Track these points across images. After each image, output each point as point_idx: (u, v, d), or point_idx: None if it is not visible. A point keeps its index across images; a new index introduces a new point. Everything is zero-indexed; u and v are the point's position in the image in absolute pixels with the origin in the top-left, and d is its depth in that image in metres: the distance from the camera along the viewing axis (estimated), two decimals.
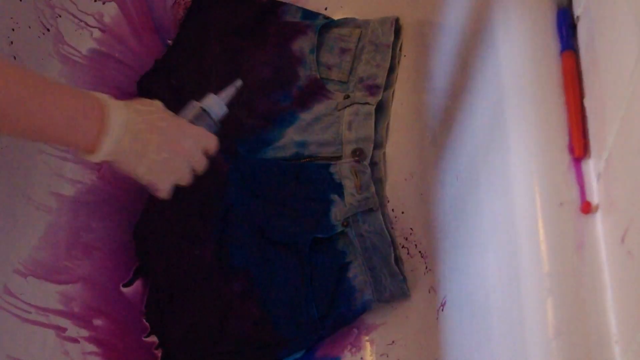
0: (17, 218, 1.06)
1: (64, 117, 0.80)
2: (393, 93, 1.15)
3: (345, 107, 1.13)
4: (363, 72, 1.15)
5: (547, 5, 0.83)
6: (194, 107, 0.95)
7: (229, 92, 0.97)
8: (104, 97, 0.84)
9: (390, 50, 1.15)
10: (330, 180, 1.09)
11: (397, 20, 1.18)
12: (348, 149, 1.10)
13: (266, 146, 1.12)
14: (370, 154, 1.10)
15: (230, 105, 0.97)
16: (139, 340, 1.07)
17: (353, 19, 1.19)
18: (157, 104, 0.90)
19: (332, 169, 1.09)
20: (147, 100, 0.89)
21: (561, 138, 0.76)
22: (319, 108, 1.13)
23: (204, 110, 0.95)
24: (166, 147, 0.87)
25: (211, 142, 0.93)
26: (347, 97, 1.14)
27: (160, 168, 0.88)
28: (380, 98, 1.13)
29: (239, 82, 0.97)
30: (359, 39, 1.17)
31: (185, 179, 0.92)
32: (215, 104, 0.96)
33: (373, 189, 1.07)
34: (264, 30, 1.19)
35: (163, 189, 0.91)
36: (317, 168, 1.10)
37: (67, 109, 0.80)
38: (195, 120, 0.94)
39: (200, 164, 0.92)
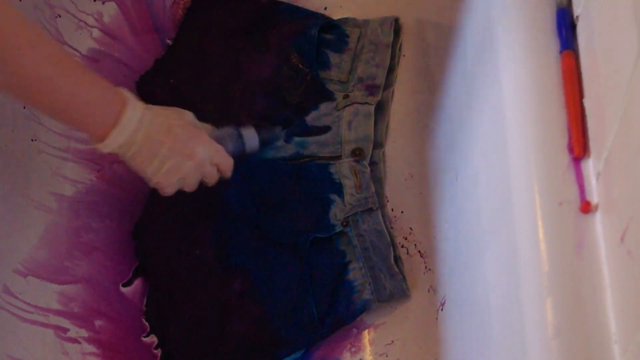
0: (17, 218, 1.06)
1: (85, 101, 0.84)
2: (393, 93, 1.15)
3: (344, 107, 1.13)
4: (362, 72, 1.15)
5: (546, 4, 0.83)
6: (233, 129, 1.00)
7: (270, 134, 1.02)
8: (128, 93, 0.88)
9: (390, 50, 1.15)
10: (329, 180, 1.09)
11: (396, 20, 1.18)
12: (348, 149, 1.10)
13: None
14: (370, 154, 1.10)
15: (259, 144, 1.02)
16: (138, 340, 1.07)
17: (352, 19, 1.19)
18: (187, 114, 0.94)
19: (332, 169, 1.09)
20: (178, 109, 0.94)
21: (560, 138, 0.76)
22: (319, 109, 1.13)
23: (240, 135, 0.99)
24: (179, 151, 0.90)
25: (226, 162, 0.96)
26: (346, 96, 1.14)
27: (168, 170, 0.91)
28: (379, 98, 1.13)
29: (279, 130, 1.04)
30: (359, 38, 1.17)
31: (191, 186, 0.95)
32: (253, 137, 1.01)
33: (373, 188, 1.07)
34: (263, 30, 1.19)
35: (168, 191, 0.94)
36: (317, 168, 1.10)
37: (90, 93, 0.84)
38: (224, 140, 0.98)
39: (211, 177, 0.95)
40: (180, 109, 0.95)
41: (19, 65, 0.79)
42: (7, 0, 0.79)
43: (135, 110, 0.87)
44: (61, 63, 0.83)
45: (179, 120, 0.92)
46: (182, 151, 0.91)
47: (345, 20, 1.19)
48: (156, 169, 0.90)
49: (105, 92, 0.86)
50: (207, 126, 0.98)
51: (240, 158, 1.00)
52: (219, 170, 0.96)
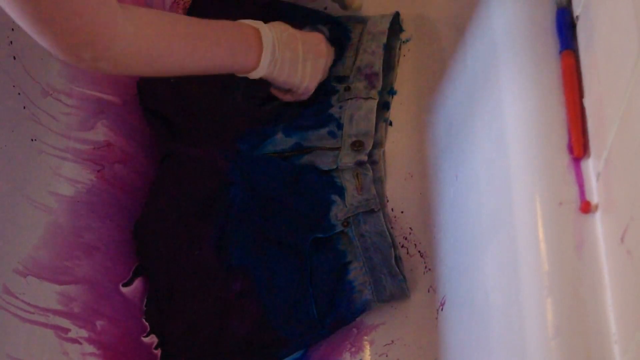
0: (17, 218, 1.06)
1: (230, 45, 0.95)
2: (393, 92, 1.15)
3: (347, 100, 1.12)
4: (360, 61, 1.15)
5: (546, 4, 0.84)
6: (312, 27, 1.11)
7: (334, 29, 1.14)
8: (254, 22, 0.99)
9: (385, 37, 1.15)
10: (331, 181, 1.09)
11: (397, 14, 1.17)
12: (348, 142, 1.10)
13: (266, 139, 1.12)
14: (370, 147, 1.10)
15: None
16: (138, 340, 1.07)
17: (354, 16, 1.19)
18: (284, 24, 1.04)
19: (334, 173, 1.09)
20: (277, 22, 1.03)
21: (560, 137, 0.76)
22: (320, 101, 1.13)
23: (319, 28, 1.11)
24: (311, 51, 1.03)
25: (332, 52, 1.09)
26: (347, 88, 1.13)
27: (312, 70, 1.03)
28: (380, 87, 1.12)
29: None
30: (361, 34, 1.17)
31: (325, 76, 1.08)
32: (325, 29, 1.12)
33: (374, 190, 1.07)
34: None
35: (313, 89, 1.06)
36: (319, 173, 1.10)
37: (230, 38, 0.95)
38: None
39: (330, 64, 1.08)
40: (316, 35, 1.07)
41: (173, 57, 0.90)
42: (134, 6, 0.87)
43: (265, 31, 0.98)
44: (200, 26, 0.93)
45: (289, 28, 1.03)
46: (314, 50, 1.03)
47: (347, 17, 1.19)
48: (302, 73, 1.02)
49: (239, 30, 0.97)
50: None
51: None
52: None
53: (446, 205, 1.01)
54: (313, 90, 1.07)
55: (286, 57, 1.00)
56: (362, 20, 1.18)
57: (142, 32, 0.85)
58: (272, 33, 0.99)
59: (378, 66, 1.13)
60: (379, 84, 1.12)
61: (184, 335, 1.06)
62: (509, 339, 0.76)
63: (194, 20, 0.95)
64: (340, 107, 1.12)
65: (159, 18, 0.90)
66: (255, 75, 0.99)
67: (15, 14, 0.76)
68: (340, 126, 1.11)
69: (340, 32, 1.16)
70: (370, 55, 1.14)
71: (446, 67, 1.06)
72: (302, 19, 1.18)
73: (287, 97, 1.09)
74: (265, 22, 1.05)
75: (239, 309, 1.05)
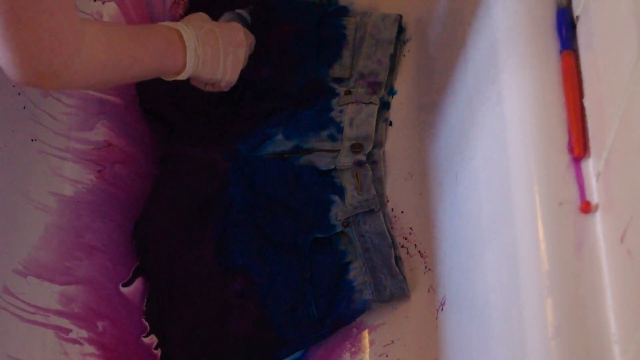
0: (17, 218, 1.06)
1: (158, 51, 0.95)
2: (393, 92, 1.15)
3: (347, 104, 1.12)
4: (364, 67, 1.14)
5: (546, 4, 0.83)
6: (229, 13, 1.13)
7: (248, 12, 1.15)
8: (173, 23, 0.99)
9: (392, 47, 1.14)
10: (330, 181, 1.09)
11: (400, 18, 1.17)
12: (347, 144, 1.10)
13: (266, 140, 1.12)
14: (370, 150, 1.09)
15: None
16: (138, 340, 1.07)
17: (347, 8, 1.18)
18: (203, 15, 1.05)
19: (333, 173, 1.09)
20: (193, 15, 1.05)
21: (560, 137, 0.76)
22: (320, 103, 1.13)
23: (238, 14, 1.14)
24: (230, 44, 1.03)
25: (252, 39, 1.09)
26: (348, 92, 1.13)
27: (233, 64, 1.03)
28: (382, 94, 1.12)
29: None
30: (356, 29, 1.16)
31: (245, 64, 1.07)
32: (245, 13, 1.14)
33: (374, 190, 1.07)
34: (261, 29, 1.19)
35: (234, 81, 1.06)
36: (318, 173, 1.09)
37: (158, 43, 0.95)
38: (236, 22, 1.11)
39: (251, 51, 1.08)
40: (195, 13, 1.05)
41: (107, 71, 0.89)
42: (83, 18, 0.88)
43: (186, 31, 0.97)
44: (130, 33, 0.92)
45: (207, 22, 1.03)
46: (233, 43, 1.03)
47: (341, 9, 1.18)
48: (224, 68, 1.02)
49: (164, 34, 0.96)
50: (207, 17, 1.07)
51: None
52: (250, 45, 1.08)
53: (446, 205, 1.01)
54: (235, 82, 1.06)
55: (207, 54, 1.00)
56: (357, 14, 1.17)
57: (98, 43, 0.85)
58: (192, 31, 0.98)
59: (383, 76, 1.13)
60: (382, 92, 1.12)
61: (184, 335, 1.06)
62: (509, 339, 0.76)
63: (129, 26, 0.97)
64: (341, 111, 1.12)
65: (106, 27, 0.90)
66: (183, 76, 0.99)
67: None
68: (340, 129, 1.11)
69: (334, 30, 1.16)
70: (376, 64, 1.14)
71: (446, 67, 1.06)
72: (297, 18, 1.17)
73: (209, 88, 1.07)
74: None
75: (239, 309, 1.05)
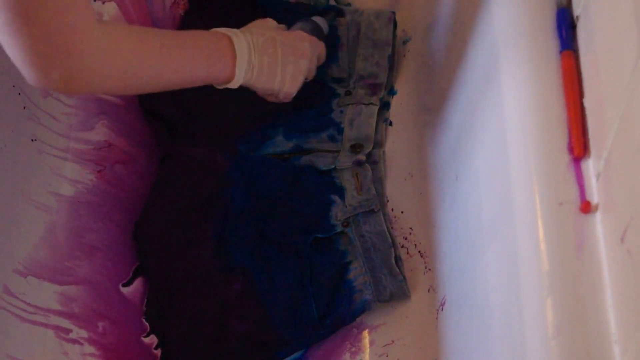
0: (17, 218, 1.06)
1: (204, 57, 0.91)
2: (393, 92, 1.15)
3: (347, 105, 1.12)
4: (363, 69, 1.14)
5: (546, 4, 0.84)
6: (306, 20, 1.09)
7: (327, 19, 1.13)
8: (228, 30, 0.95)
9: (390, 48, 1.14)
10: (330, 181, 1.09)
11: (394, 14, 1.16)
12: (347, 145, 1.10)
13: (266, 141, 1.12)
14: (370, 150, 1.10)
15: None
16: (138, 340, 1.07)
17: (335, 6, 1.17)
18: (269, 21, 1.01)
19: (333, 173, 1.09)
20: (260, 20, 1.01)
21: (561, 137, 0.76)
22: (320, 104, 1.13)
23: (314, 22, 1.10)
24: (290, 54, 0.98)
25: (323, 49, 1.05)
26: (348, 93, 1.13)
27: (293, 75, 0.99)
28: (382, 95, 1.12)
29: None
30: (348, 28, 1.16)
31: (312, 75, 1.04)
32: (322, 21, 1.11)
33: (374, 190, 1.07)
34: None
35: (294, 92, 1.02)
36: (318, 173, 1.10)
37: (204, 48, 0.91)
38: (307, 30, 1.07)
39: (315, 67, 1.04)
40: (263, 18, 1.02)
41: (146, 74, 0.86)
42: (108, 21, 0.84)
43: (239, 38, 0.94)
44: (171, 39, 0.89)
45: (271, 29, 0.99)
46: (295, 53, 0.98)
47: (332, 8, 1.17)
48: (282, 79, 0.98)
49: (212, 39, 0.93)
50: (283, 25, 1.05)
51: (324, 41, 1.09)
52: (318, 58, 1.05)
53: (446, 205, 1.01)
54: (295, 93, 1.02)
55: (264, 63, 0.96)
56: (345, 13, 1.16)
57: (116, 46, 0.81)
58: (247, 39, 0.95)
59: (383, 78, 1.13)
60: (382, 93, 1.12)
61: (184, 335, 1.06)
62: (509, 339, 0.76)
63: (167, 33, 0.92)
64: (341, 112, 1.12)
65: (132, 32, 0.87)
66: (233, 85, 0.96)
67: None
68: (340, 130, 1.11)
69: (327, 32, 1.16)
70: (375, 66, 1.14)
71: (446, 67, 1.06)
72: (288, 14, 1.16)
73: (271, 99, 1.04)
74: (253, 19, 1.04)
75: (239, 309, 1.05)
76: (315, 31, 1.09)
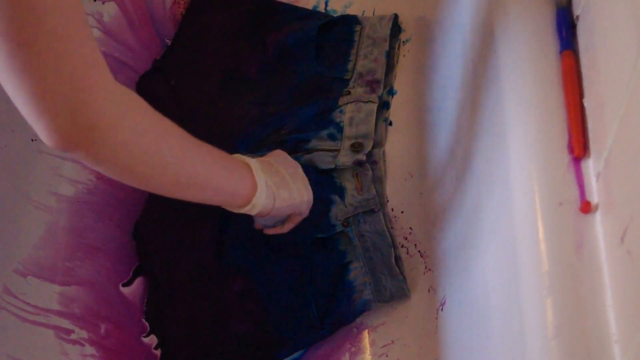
0: (17, 218, 1.06)
1: (230, 183, 0.88)
2: (392, 92, 1.15)
3: (347, 104, 1.12)
4: (362, 67, 1.15)
5: (546, 5, 0.84)
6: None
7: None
8: (247, 159, 0.92)
9: (387, 44, 1.15)
10: (330, 181, 1.09)
11: (395, 16, 1.17)
12: (347, 143, 1.10)
13: (266, 140, 1.12)
14: (370, 148, 1.10)
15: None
16: (138, 340, 1.07)
17: (353, 16, 1.19)
18: (283, 156, 1.01)
19: (333, 173, 1.09)
20: (275, 153, 1.01)
21: (560, 137, 0.76)
22: (320, 104, 1.13)
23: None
24: (289, 205, 0.97)
25: (310, 196, 1.01)
26: (348, 92, 1.13)
27: (301, 183, 0.99)
28: (381, 93, 1.12)
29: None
30: (360, 35, 1.17)
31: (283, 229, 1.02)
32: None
33: (374, 190, 1.07)
34: (263, 31, 1.19)
35: (312, 199, 1.01)
36: (318, 173, 1.10)
37: (230, 176, 0.88)
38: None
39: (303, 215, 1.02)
40: (277, 152, 1.01)
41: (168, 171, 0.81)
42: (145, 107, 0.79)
43: (261, 174, 0.92)
44: (192, 151, 0.84)
45: (285, 170, 0.98)
46: (291, 204, 0.97)
47: (344, 18, 1.18)
48: (296, 188, 0.98)
49: (236, 165, 0.90)
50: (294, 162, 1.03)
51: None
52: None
53: (446, 206, 1.01)
54: (312, 199, 1.01)
55: (269, 203, 0.93)
56: (360, 21, 1.18)
57: (141, 131, 0.77)
58: (265, 177, 0.92)
59: (380, 74, 1.13)
60: (380, 90, 1.13)
61: (184, 335, 1.06)
62: (509, 339, 0.76)
63: (192, 140, 0.86)
64: (341, 111, 1.12)
65: (159, 121, 0.82)
66: (251, 211, 0.91)
67: (10, 86, 0.69)
68: (340, 129, 1.11)
69: (343, 35, 1.16)
70: (373, 62, 1.14)
71: (446, 67, 1.06)
72: (300, 20, 1.17)
73: (288, 226, 1.02)
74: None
75: (239, 309, 1.05)
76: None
